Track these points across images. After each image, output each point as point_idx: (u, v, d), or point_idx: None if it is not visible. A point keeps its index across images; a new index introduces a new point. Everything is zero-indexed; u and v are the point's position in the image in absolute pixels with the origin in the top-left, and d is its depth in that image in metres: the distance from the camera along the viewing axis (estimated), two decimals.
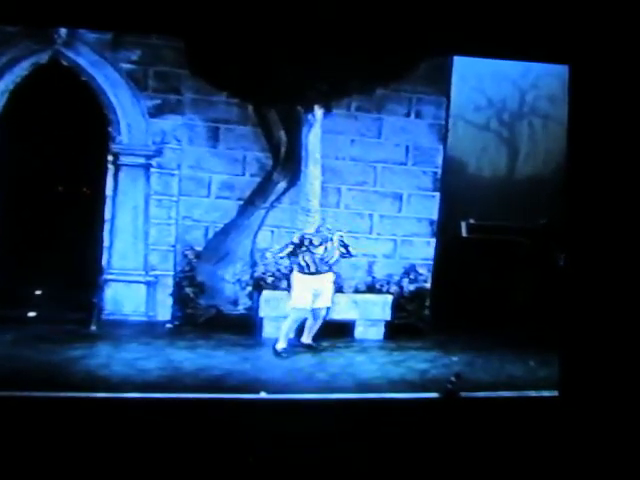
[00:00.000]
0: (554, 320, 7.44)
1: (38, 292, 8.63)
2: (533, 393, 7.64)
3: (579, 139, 7.02)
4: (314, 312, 8.48)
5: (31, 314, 8.53)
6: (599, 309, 6.84)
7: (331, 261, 8.44)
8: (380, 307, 9.04)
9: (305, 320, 8.52)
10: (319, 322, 8.54)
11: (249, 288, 9.06)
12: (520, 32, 6.76)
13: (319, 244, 8.38)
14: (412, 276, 9.38)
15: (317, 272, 8.40)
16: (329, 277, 8.49)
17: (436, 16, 6.74)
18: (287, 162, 9.21)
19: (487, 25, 6.74)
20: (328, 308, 8.53)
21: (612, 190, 6.82)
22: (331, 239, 8.39)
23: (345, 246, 8.42)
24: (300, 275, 8.43)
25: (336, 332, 8.72)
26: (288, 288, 8.75)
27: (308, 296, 8.39)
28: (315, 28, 6.96)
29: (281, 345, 8.39)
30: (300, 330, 8.58)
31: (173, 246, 9.09)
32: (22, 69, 8.58)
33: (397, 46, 7.65)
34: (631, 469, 6.30)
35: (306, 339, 8.57)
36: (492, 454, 6.48)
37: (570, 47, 6.89)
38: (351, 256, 8.52)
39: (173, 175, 9.04)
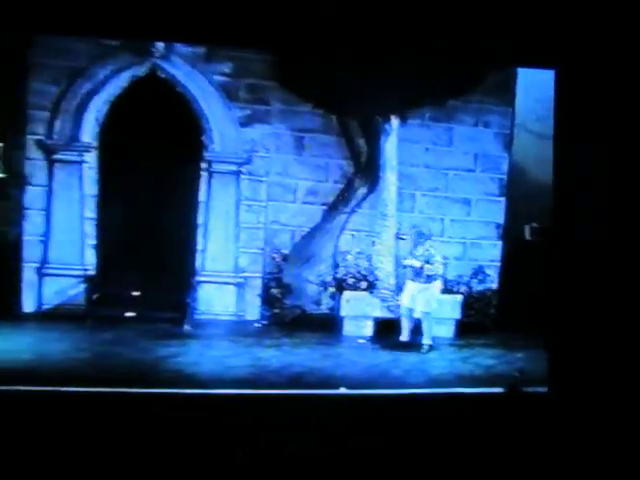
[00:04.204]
0: (543, 317, 7.25)
1: (136, 293, 8.26)
2: None
3: (567, 142, 6.75)
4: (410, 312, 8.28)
5: (129, 314, 8.19)
6: (588, 306, 6.59)
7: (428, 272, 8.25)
8: (450, 306, 8.74)
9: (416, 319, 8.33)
10: (425, 323, 8.27)
11: (331, 289, 8.76)
12: (505, 37, 6.49)
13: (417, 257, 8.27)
14: (480, 277, 9.06)
15: (413, 280, 8.26)
16: (430, 286, 8.26)
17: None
18: (367, 169, 8.92)
19: (473, 31, 6.46)
20: (426, 313, 8.23)
21: (600, 192, 6.57)
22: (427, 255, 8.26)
23: (427, 262, 8.23)
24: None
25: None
26: (367, 289, 8.63)
27: (407, 297, 8.27)
28: (394, 45, 6.69)
29: (402, 337, 8.28)
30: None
31: (262, 249, 8.80)
32: (122, 81, 8.35)
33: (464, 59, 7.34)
34: (621, 465, 6.02)
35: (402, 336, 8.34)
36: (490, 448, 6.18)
37: (556, 52, 6.63)
38: (427, 278, 8.28)
39: (262, 181, 8.76)
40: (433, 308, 8.23)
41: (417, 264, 8.22)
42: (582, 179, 6.61)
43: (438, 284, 8.32)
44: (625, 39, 6.39)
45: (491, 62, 7.70)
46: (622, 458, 5.98)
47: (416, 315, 8.21)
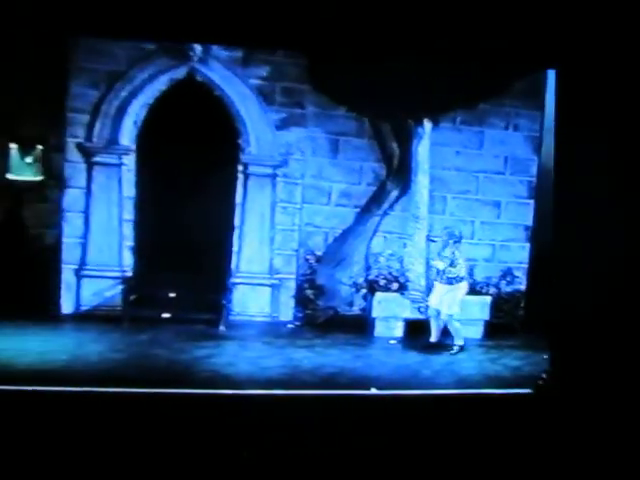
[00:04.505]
0: (545, 319, 7.26)
1: (172, 295, 8.27)
2: None
3: (567, 142, 6.74)
4: (437, 314, 8.26)
5: (165, 315, 8.21)
6: (588, 307, 6.58)
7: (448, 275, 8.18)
8: (479, 307, 8.72)
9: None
10: (449, 326, 8.25)
11: (363, 290, 8.77)
12: (505, 37, 6.47)
13: (444, 258, 8.21)
14: (508, 279, 9.04)
15: (441, 282, 8.21)
16: (454, 288, 8.19)
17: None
18: (399, 172, 8.92)
19: (473, 32, 6.45)
20: (449, 315, 8.19)
21: (600, 194, 6.56)
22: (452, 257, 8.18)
23: (451, 264, 8.16)
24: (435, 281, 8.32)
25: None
26: (399, 290, 8.62)
27: (434, 299, 8.23)
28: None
29: (431, 338, 8.26)
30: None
31: (296, 251, 8.82)
32: (161, 84, 8.36)
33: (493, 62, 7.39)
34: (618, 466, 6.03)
35: (432, 337, 8.31)
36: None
37: (556, 52, 6.61)
38: (450, 280, 8.19)
39: (297, 184, 8.77)
40: (455, 311, 8.16)
41: (441, 266, 8.19)
42: (582, 179, 6.60)
43: (463, 286, 8.24)
44: (625, 39, 6.37)
45: (491, 62, 7.51)
46: (622, 458, 6.00)
47: (442, 317, 8.20)
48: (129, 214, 8.45)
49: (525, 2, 6.26)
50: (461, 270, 8.18)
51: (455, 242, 8.20)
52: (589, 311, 6.57)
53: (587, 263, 6.57)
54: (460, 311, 8.25)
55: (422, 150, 8.74)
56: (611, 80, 6.44)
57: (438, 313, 8.20)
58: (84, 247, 8.39)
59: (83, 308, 8.40)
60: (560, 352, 6.82)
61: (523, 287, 9.11)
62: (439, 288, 8.21)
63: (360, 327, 8.59)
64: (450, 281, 8.14)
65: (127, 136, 8.36)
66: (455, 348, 8.15)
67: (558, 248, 6.99)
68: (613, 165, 6.55)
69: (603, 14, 6.28)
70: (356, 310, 8.88)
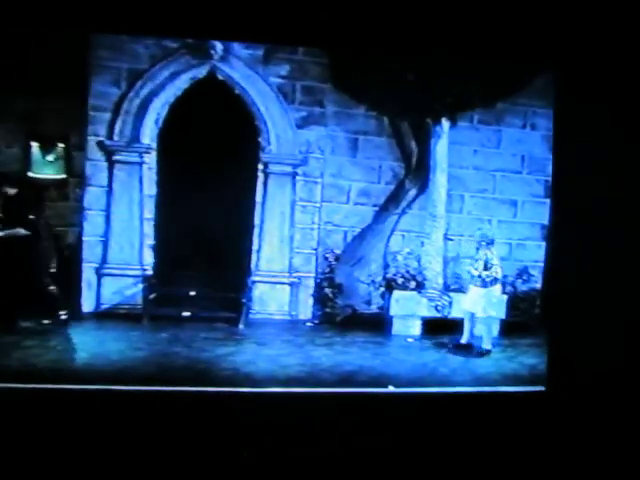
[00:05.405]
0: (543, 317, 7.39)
1: (192, 293, 8.27)
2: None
3: (567, 142, 6.75)
4: (471, 316, 8.22)
5: (185, 314, 8.20)
6: (587, 306, 6.60)
7: (486, 279, 8.15)
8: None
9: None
10: (484, 327, 8.23)
11: (381, 288, 8.74)
12: (502, 38, 6.47)
13: (477, 261, 8.19)
14: (525, 277, 8.99)
15: (475, 285, 8.17)
16: (489, 291, 8.16)
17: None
18: (417, 171, 8.88)
19: (472, 33, 6.44)
20: (485, 318, 8.17)
21: (598, 196, 6.57)
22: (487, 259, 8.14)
23: (487, 268, 8.14)
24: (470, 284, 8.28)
25: (456, 330, 8.40)
26: (416, 288, 8.65)
27: (468, 301, 8.22)
28: (444, 48, 6.67)
29: (462, 340, 8.23)
30: None
31: (315, 249, 8.78)
32: (182, 82, 8.30)
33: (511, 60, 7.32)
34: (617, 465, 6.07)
35: (463, 339, 8.27)
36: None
37: (554, 54, 6.61)
38: (485, 283, 8.16)
39: (317, 183, 8.73)
40: (492, 314, 8.16)
41: (475, 272, 8.15)
42: (582, 179, 6.60)
43: (497, 289, 8.22)
44: (624, 40, 6.37)
45: (489, 63, 7.59)
46: (622, 458, 6.02)
47: (479, 315, 8.16)
48: (150, 213, 8.39)
49: (525, 4, 6.26)
50: (496, 272, 8.14)
51: (488, 244, 8.17)
52: (589, 312, 6.59)
53: (587, 264, 6.59)
54: (496, 314, 8.26)
55: (440, 149, 8.72)
56: (612, 81, 6.44)
57: (472, 315, 8.16)
58: (105, 245, 8.33)
59: (104, 306, 8.35)
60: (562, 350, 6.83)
61: (539, 286, 9.07)
62: (473, 291, 8.17)
63: (378, 325, 8.58)
64: (485, 284, 8.11)
65: (148, 134, 8.29)
66: (483, 350, 8.10)
67: (557, 249, 7.00)
68: (613, 165, 6.56)
69: (602, 15, 6.28)
70: (374, 308, 8.84)
